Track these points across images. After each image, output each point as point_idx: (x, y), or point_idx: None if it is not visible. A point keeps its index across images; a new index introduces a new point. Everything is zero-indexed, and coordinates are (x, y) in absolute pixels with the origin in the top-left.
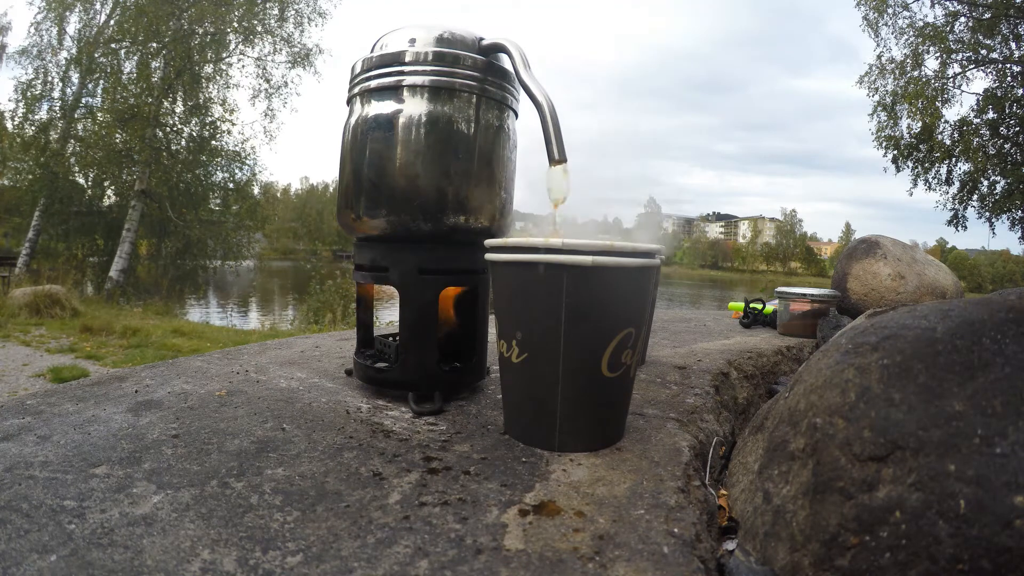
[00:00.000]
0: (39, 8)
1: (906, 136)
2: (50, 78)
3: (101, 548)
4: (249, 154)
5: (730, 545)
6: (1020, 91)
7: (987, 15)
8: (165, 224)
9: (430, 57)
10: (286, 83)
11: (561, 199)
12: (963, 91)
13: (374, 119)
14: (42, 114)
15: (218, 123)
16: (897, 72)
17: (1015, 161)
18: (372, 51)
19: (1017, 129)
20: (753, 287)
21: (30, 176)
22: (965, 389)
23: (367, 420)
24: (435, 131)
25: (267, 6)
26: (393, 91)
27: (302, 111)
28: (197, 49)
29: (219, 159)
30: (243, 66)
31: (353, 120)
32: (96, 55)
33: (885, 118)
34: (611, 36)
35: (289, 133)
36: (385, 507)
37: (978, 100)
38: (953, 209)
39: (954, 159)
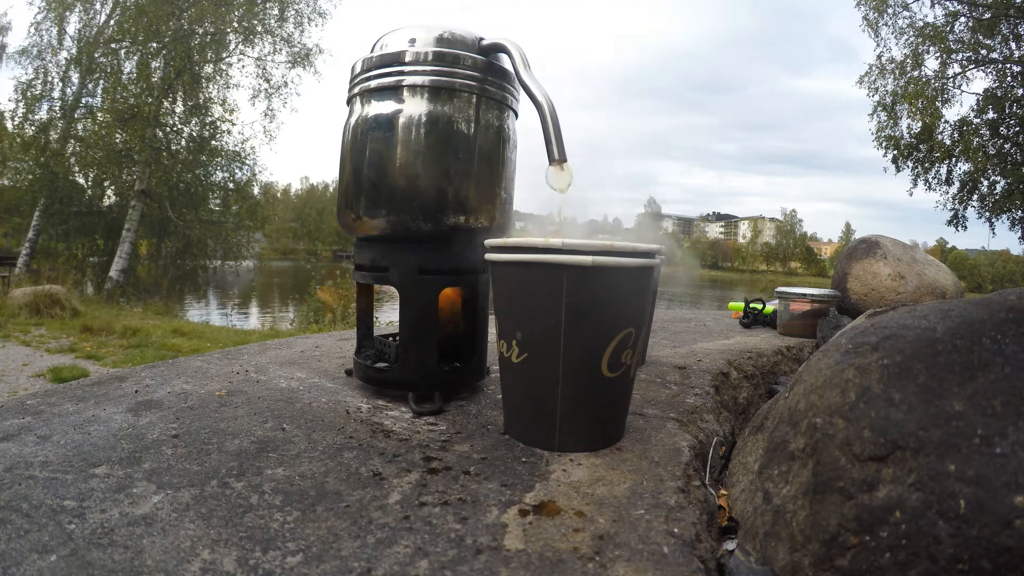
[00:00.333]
0: (39, 8)
1: (906, 136)
2: (50, 78)
3: (101, 548)
4: (249, 154)
5: (730, 545)
6: (1020, 91)
7: (987, 15)
8: (165, 224)
9: (430, 57)
10: (286, 83)
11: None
12: (963, 91)
13: (374, 119)
14: (42, 114)
15: (218, 123)
16: (897, 72)
17: (1015, 161)
18: (372, 51)
19: (1017, 129)
20: (753, 287)
21: (30, 176)
22: (965, 389)
23: (367, 420)
24: (435, 131)
25: (267, 6)
26: (393, 91)
27: (302, 111)
28: (197, 49)
29: (219, 159)
30: (243, 66)
31: (353, 120)
32: (96, 55)
33: (885, 118)
34: (611, 36)
35: (289, 133)
36: (385, 507)
37: (978, 100)
38: (953, 209)
39: (954, 159)
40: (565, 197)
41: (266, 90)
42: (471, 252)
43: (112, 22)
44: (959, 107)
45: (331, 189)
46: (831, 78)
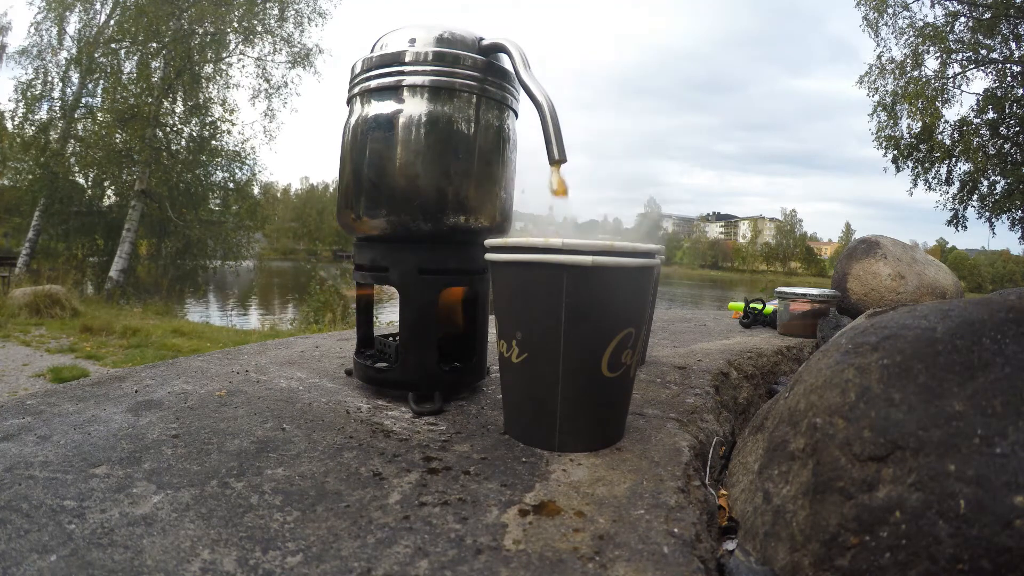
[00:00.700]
0: (39, 8)
1: (906, 136)
2: (50, 78)
3: (101, 548)
4: (249, 154)
5: (730, 545)
6: (1020, 91)
7: (987, 15)
8: (165, 224)
9: (430, 57)
10: (286, 83)
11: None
12: (963, 91)
13: (374, 119)
14: (42, 114)
15: (218, 123)
16: (897, 72)
17: (1015, 161)
18: (372, 51)
19: (1017, 129)
20: (753, 287)
21: (30, 176)
22: (965, 389)
23: (367, 420)
24: (435, 131)
25: (267, 6)
26: (393, 91)
27: (302, 111)
28: (197, 49)
29: (219, 159)
30: (243, 66)
31: (353, 120)
32: (96, 55)
33: (885, 118)
34: (611, 36)
35: (289, 133)
36: (385, 507)
37: (978, 100)
38: (953, 209)
39: (954, 159)
40: (565, 198)
41: (266, 90)
42: (471, 252)
43: (112, 22)
44: (959, 107)
45: (331, 189)
46: (831, 78)
